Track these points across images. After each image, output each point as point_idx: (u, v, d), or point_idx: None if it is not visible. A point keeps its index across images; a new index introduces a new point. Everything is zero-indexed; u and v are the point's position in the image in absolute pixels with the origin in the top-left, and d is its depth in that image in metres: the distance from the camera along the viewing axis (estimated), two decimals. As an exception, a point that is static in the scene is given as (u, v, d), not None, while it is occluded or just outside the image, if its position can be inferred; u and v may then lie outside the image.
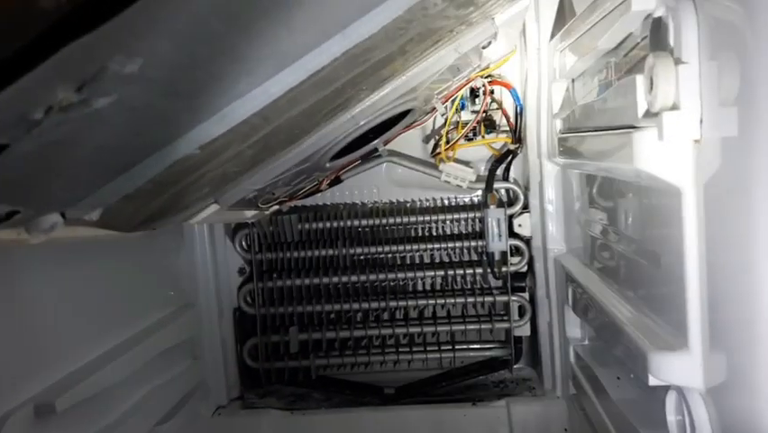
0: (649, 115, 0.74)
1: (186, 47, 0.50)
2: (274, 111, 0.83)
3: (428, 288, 1.58)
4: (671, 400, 0.79)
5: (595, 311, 1.08)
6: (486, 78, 1.44)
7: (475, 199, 1.56)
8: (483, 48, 1.22)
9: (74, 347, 1.00)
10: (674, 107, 0.69)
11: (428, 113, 1.45)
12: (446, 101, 1.43)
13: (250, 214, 1.37)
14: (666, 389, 0.80)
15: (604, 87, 1.00)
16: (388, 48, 0.92)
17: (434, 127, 1.57)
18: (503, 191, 1.53)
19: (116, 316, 1.13)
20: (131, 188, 0.77)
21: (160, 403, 1.24)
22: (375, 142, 1.39)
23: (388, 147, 1.55)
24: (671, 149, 0.71)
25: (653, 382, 0.77)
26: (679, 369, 0.73)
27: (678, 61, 0.69)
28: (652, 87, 0.71)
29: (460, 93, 1.43)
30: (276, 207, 1.40)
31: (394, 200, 1.60)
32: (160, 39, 0.46)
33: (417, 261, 1.57)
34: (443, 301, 1.53)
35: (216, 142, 0.81)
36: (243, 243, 1.54)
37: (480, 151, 1.57)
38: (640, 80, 0.75)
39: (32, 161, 0.52)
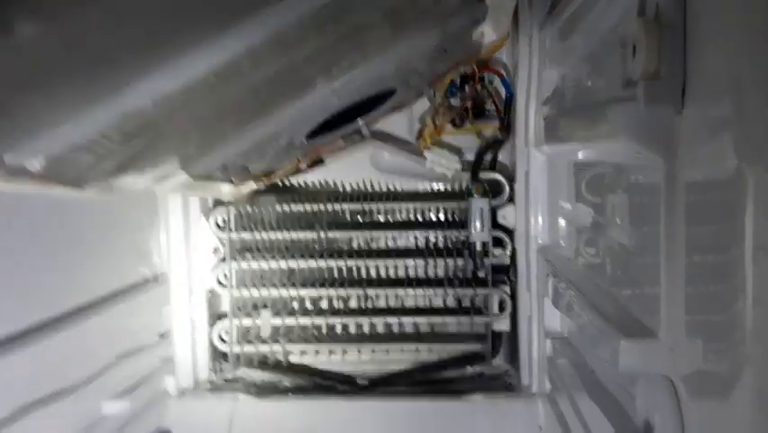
0: (631, 85, 0.70)
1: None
2: (236, 73, 0.79)
3: (408, 277, 1.53)
4: (641, 390, 0.75)
5: (573, 303, 1.04)
6: (477, 64, 1.40)
7: (462, 190, 1.51)
8: (472, 29, 1.18)
9: (25, 304, 0.95)
10: (656, 76, 0.65)
11: (415, 96, 1.41)
12: (434, 85, 1.39)
13: (224, 189, 1.33)
14: (638, 379, 0.76)
15: (591, 67, 0.96)
16: (364, 13, 0.88)
17: (424, 113, 1.52)
18: (490, 181, 1.48)
19: (74, 281, 1.09)
20: (79, 137, 0.73)
21: (120, 377, 1.20)
22: (358, 123, 1.35)
23: (375, 131, 1.51)
24: (651, 121, 0.67)
25: (623, 368, 0.72)
26: (649, 356, 0.69)
27: (663, 25, 0.65)
28: (635, 54, 0.67)
29: (448, 77, 1.38)
30: (252, 184, 1.35)
31: (378, 185, 1.55)
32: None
33: (398, 248, 1.52)
34: (422, 292, 1.48)
35: (172, 99, 0.77)
36: (219, 221, 1.50)
37: (469, 139, 1.52)
38: (624, 48, 0.71)
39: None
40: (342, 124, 1.30)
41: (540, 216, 1.37)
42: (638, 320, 0.77)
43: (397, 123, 1.53)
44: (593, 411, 0.93)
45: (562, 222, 1.28)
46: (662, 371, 0.68)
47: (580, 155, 1.10)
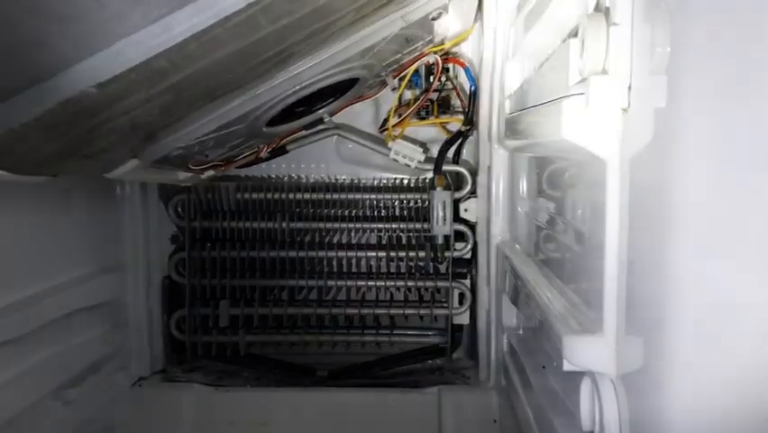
0: (582, 81, 0.70)
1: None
2: (183, 56, 0.77)
3: (369, 269, 1.52)
4: (585, 388, 0.75)
5: (527, 299, 1.04)
6: (441, 55, 1.39)
7: (425, 184, 1.50)
8: (433, 19, 1.17)
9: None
10: (603, 72, 0.64)
11: (379, 86, 1.40)
12: (398, 75, 1.38)
13: (182, 176, 1.30)
14: (583, 376, 0.76)
15: (547, 62, 0.95)
16: (317, 1, 0.86)
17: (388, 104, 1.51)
18: (453, 174, 1.48)
19: (22, 266, 1.06)
20: (14, 122, 0.71)
21: (66, 367, 1.17)
22: (320, 111, 1.33)
23: (339, 121, 1.49)
24: (597, 118, 0.66)
25: (567, 367, 0.72)
26: (591, 353, 0.69)
27: (610, 23, 0.64)
28: (583, 51, 0.67)
29: (412, 68, 1.37)
30: (211, 171, 1.33)
31: (341, 176, 1.54)
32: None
33: (359, 240, 1.51)
34: (382, 284, 1.47)
35: (116, 82, 0.74)
36: (178, 208, 1.47)
37: (433, 131, 1.52)
38: (573, 44, 0.70)
39: None
40: (303, 112, 1.29)
41: (501, 210, 1.36)
42: (583, 319, 0.77)
43: (362, 113, 1.52)
44: (543, 408, 0.93)
45: (521, 217, 1.28)
46: (602, 369, 0.68)
47: (538, 151, 1.10)
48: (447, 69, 1.43)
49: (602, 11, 0.67)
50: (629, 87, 0.64)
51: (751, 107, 0.55)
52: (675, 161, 0.61)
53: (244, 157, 1.36)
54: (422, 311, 1.47)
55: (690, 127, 0.60)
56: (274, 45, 0.88)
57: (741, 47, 0.56)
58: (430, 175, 1.47)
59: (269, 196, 1.46)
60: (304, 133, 1.45)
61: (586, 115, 0.67)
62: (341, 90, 1.26)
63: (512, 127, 1.18)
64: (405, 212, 1.50)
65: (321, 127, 1.45)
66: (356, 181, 1.52)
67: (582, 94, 0.67)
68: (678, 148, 0.61)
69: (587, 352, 0.70)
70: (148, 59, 0.73)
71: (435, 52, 1.35)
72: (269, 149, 1.39)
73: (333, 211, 1.49)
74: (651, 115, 0.63)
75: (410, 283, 1.47)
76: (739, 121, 0.56)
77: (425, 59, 1.35)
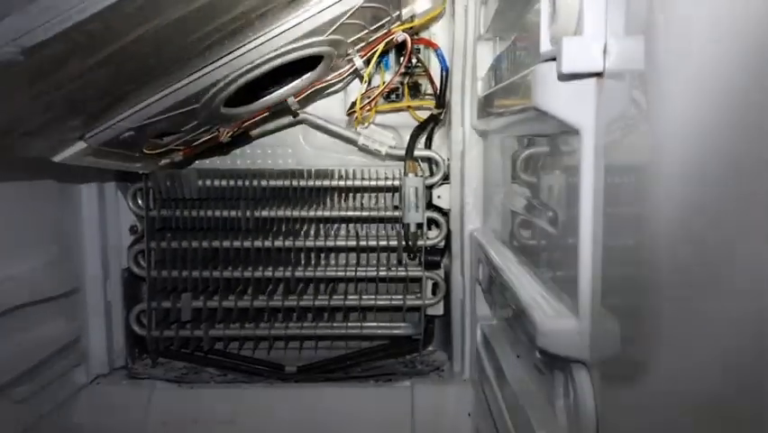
0: (552, 47, 0.65)
1: None
2: (121, 18, 0.70)
3: (338, 259, 1.46)
4: (559, 375, 0.70)
5: (501, 288, 0.99)
6: (411, 33, 1.33)
7: (396, 171, 1.43)
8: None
9: None
10: (577, 33, 0.59)
11: (345, 67, 1.33)
12: (365, 55, 1.31)
13: (137, 163, 1.23)
14: (557, 363, 0.71)
15: (520, 35, 0.90)
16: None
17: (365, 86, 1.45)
18: (425, 159, 1.42)
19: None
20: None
21: (17, 362, 1.10)
22: (283, 91, 1.26)
23: (305, 107, 1.43)
24: (571, 83, 0.61)
25: (541, 352, 0.67)
26: (565, 338, 0.64)
27: (584, -21, 0.59)
28: (555, 11, 0.61)
29: (380, 46, 1.31)
30: (168, 156, 1.26)
31: (309, 164, 1.48)
32: None
33: (328, 229, 1.45)
34: (353, 273, 1.41)
35: (47, 48, 0.68)
36: (137, 197, 1.40)
37: (404, 115, 1.46)
38: (544, 5, 0.65)
39: None
40: (265, 93, 1.22)
41: (475, 197, 1.32)
42: (558, 305, 0.72)
43: (330, 98, 1.46)
44: (517, 399, 0.88)
45: (496, 204, 1.23)
46: (576, 355, 0.63)
47: (511, 130, 1.05)
48: (418, 51, 1.38)
49: (575, -33, 0.62)
50: (604, 50, 0.59)
51: (737, 69, 0.50)
52: (654, 131, 0.56)
53: (204, 142, 1.29)
54: (394, 302, 1.42)
55: (671, 93, 0.55)
56: (223, 13, 0.82)
57: (725, 3, 0.51)
58: (401, 161, 1.41)
59: (233, 183, 1.39)
60: (267, 118, 1.38)
61: (559, 81, 0.62)
62: (304, 70, 1.20)
63: (485, 108, 1.13)
64: (376, 199, 1.45)
65: (287, 111, 1.39)
66: (325, 169, 1.46)
67: (554, 60, 0.62)
68: (657, 116, 0.56)
69: (561, 336, 0.65)
70: (81, 21, 0.67)
71: (404, 30, 1.29)
72: (230, 132, 1.32)
73: (300, 199, 1.43)
74: (628, 80, 0.58)
75: (382, 273, 1.41)
76: (723, 86, 0.51)
77: (393, 37, 1.29)
